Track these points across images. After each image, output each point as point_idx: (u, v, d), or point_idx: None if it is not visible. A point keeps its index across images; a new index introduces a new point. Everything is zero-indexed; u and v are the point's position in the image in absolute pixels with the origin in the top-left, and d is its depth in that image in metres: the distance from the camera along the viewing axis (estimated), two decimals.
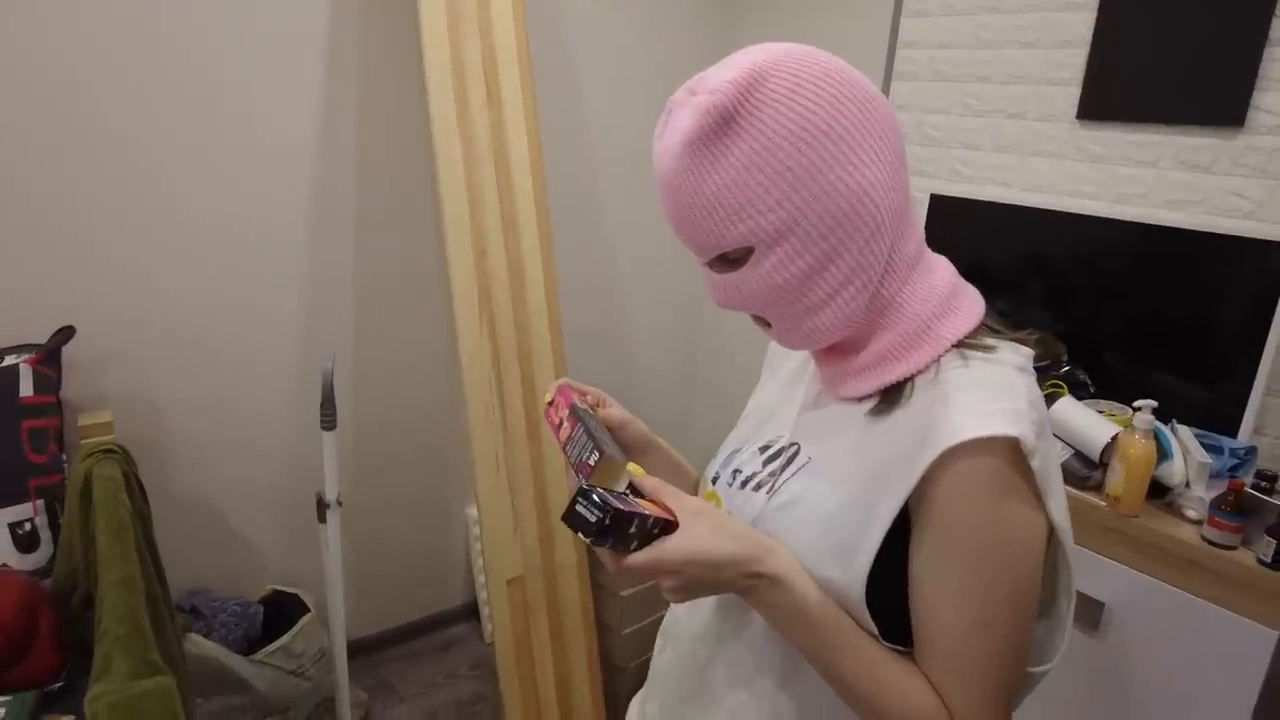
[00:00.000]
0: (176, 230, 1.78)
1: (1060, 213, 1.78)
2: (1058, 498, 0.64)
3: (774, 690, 0.74)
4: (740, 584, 0.66)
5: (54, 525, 1.51)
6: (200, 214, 1.80)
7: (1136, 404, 1.41)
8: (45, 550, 1.51)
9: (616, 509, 0.61)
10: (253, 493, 2.02)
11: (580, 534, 0.61)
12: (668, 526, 0.65)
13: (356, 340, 2.09)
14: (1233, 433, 1.52)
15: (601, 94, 2.33)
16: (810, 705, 0.72)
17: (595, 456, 0.75)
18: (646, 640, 2.08)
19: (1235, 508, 1.31)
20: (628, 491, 0.68)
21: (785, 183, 0.62)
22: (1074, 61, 1.80)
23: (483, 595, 2.39)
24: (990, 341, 0.68)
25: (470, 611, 2.49)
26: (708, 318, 2.75)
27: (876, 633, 0.66)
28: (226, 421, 1.94)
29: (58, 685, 1.33)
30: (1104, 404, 1.63)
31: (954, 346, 0.67)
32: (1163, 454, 1.43)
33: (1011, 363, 0.66)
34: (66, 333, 1.64)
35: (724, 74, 0.63)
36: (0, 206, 1.59)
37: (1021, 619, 0.64)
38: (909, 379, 0.68)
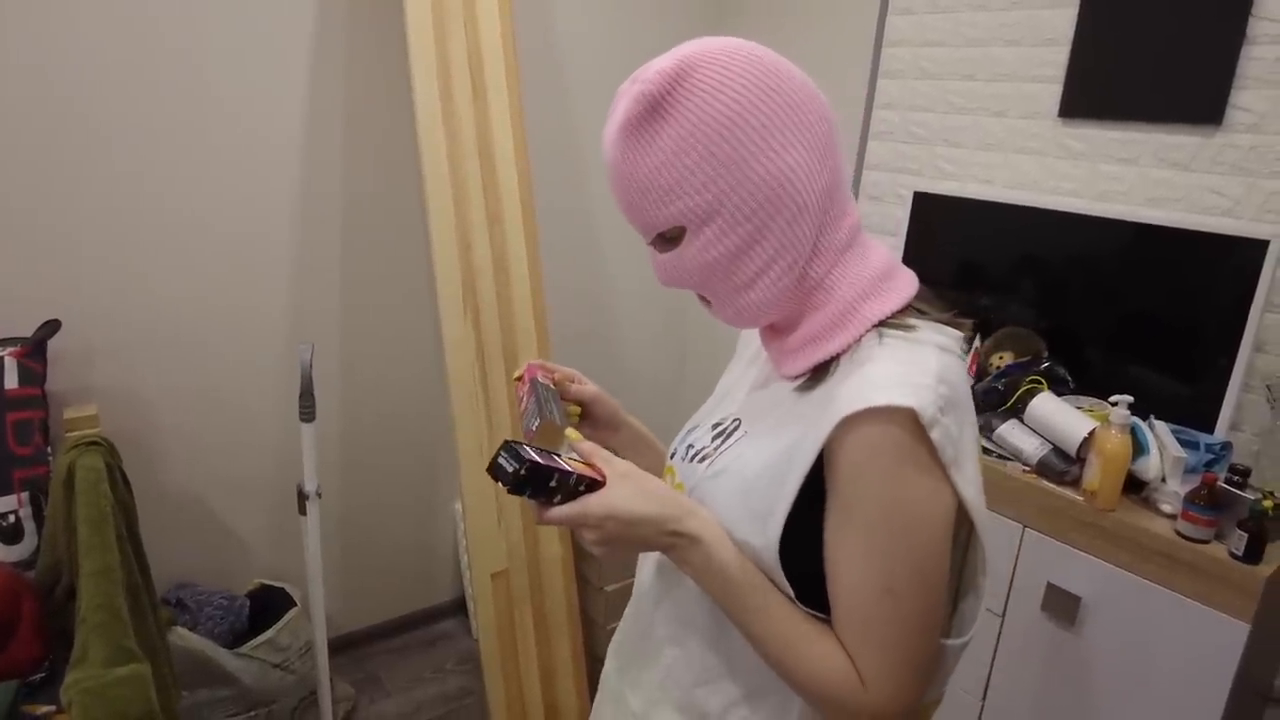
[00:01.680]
0: (164, 224, 1.79)
1: (1042, 210, 1.79)
2: (967, 472, 0.67)
3: (703, 648, 0.78)
4: (660, 541, 0.71)
5: (38, 517, 1.52)
6: (187, 208, 1.81)
7: (1113, 399, 1.42)
8: (29, 542, 1.52)
9: (534, 461, 0.65)
10: (240, 487, 2.03)
11: (500, 483, 0.66)
12: (594, 484, 0.70)
13: (343, 334, 2.10)
14: (1209, 428, 1.53)
15: (588, 91, 2.34)
16: (737, 664, 0.76)
17: (537, 421, 0.81)
18: None
19: (1209, 502, 1.32)
20: (558, 454, 0.72)
21: (710, 167, 0.66)
22: (1057, 59, 1.81)
23: (470, 591, 2.40)
24: (912, 321, 0.71)
25: (458, 606, 2.50)
26: (697, 315, 2.76)
27: (792, 595, 0.70)
28: (213, 415, 1.95)
29: (40, 676, 1.34)
30: (1083, 400, 1.64)
31: (876, 326, 0.70)
32: (1139, 449, 1.44)
33: (931, 341, 0.69)
34: (52, 326, 1.65)
35: (658, 64, 0.68)
36: None
37: (925, 587, 0.66)
38: (834, 358, 0.71)
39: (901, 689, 0.66)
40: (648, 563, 0.85)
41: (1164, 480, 1.42)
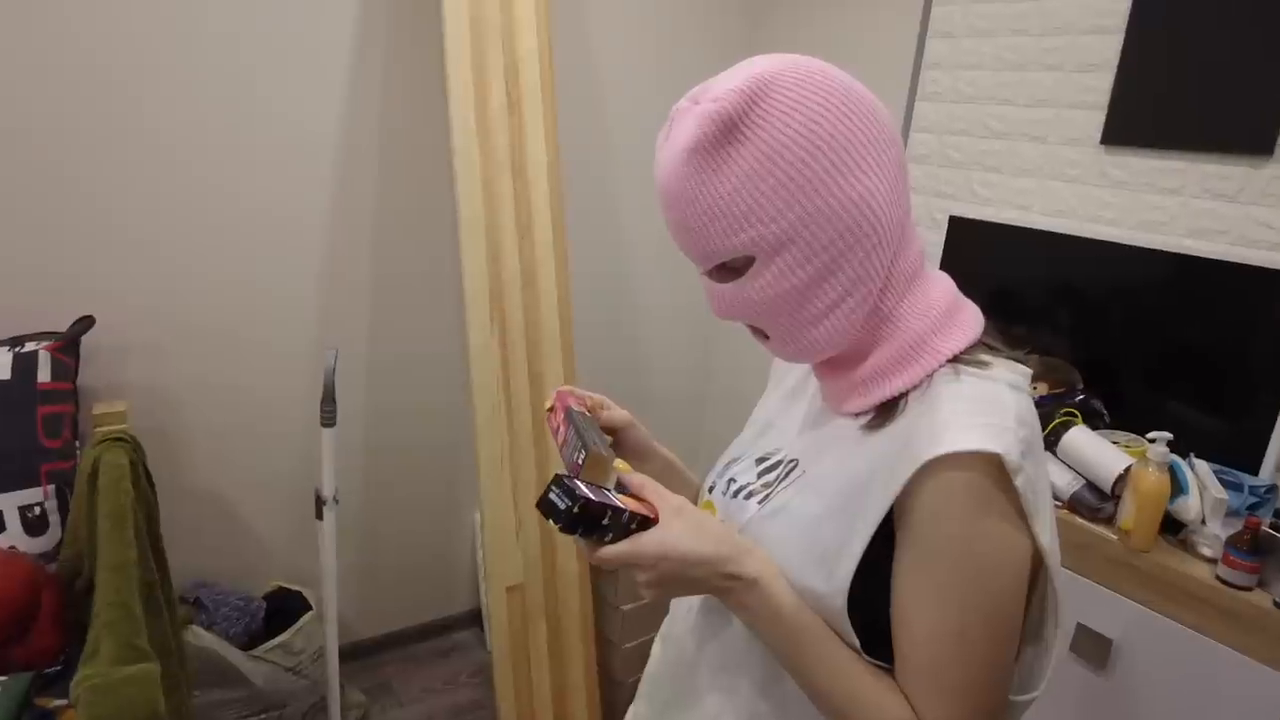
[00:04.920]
0: (200, 224, 1.82)
1: (1081, 238, 1.75)
2: (1044, 520, 0.63)
3: (753, 695, 0.73)
4: (715, 584, 0.67)
5: (63, 510, 1.54)
6: (223, 208, 1.84)
7: (1151, 436, 1.38)
8: (53, 534, 1.54)
9: (587, 498, 0.62)
10: (264, 487, 2.04)
11: (551, 521, 0.63)
12: (646, 522, 0.66)
13: (371, 339, 2.11)
14: (1254, 470, 1.47)
15: (621, 103, 2.34)
16: (791, 712, 0.71)
17: (582, 455, 0.76)
18: (646, 655, 2.05)
19: (1252, 547, 1.27)
20: (609, 489, 0.68)
21: (788, 192, 0.62)
22: (1100, 85, 1.77)
23: (486, 602, 2.38)
24: (985, 358, 0.67)
25: (475, 618, 2.48)
26: (723, 330, 2.74)
27: (857, 645, 0.66)
28: (241, 415, 1.97)
29: (56, 668, 1.35)
30: (1119, 435, 1.59)
31: (949, 362, 0.67)
32: (1178, 488, 1.39)
33: (1004, 379, 0.66)
34: (86, 322, 1.67)
35: (728, 82, 0.64)
36: (28, 197, 1.64)
37: (999, 637, 0.63)
38: (903, 394, 0.67)
39: None
40: (695, 601, 0.81)
41: (1204, 522, 1.36)
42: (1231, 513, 1.37)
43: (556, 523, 0.62)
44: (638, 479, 0.70)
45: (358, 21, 1.89)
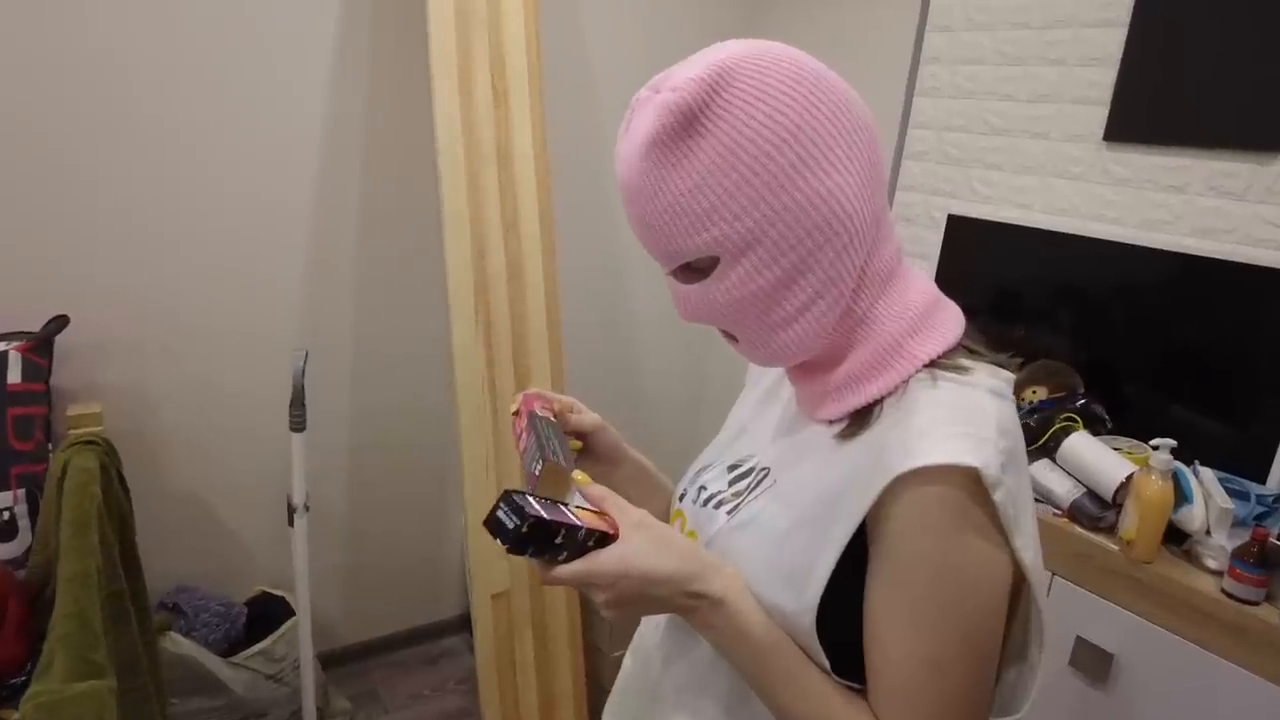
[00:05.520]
0: (178, 224, 1.78)
1: (1083, 237, 1.70)
2: (1026, 535, 0.59)
3: (719, 716, 0.70)
4: (679, 603, 0.63)
5: (33, 515, 1.50)
6: (201, 206, 1.80)
7: (1154, 442, 1.32)
8: (23, 539, 1.50)
9: (538, 516, 0.57)
10: (246, 490, 2.00)
11: (499, 541, 0.58)
12: (604, 538, 0.62)
13: (355, 339, 2.06)
14: (1261, 478, 1.42)
15: (613, 94, 2.29)
16: None
17: (539, 466, 0.72)
18: None
19: (1259, 559, 1.22)
20: (566, 504, 0.64)
21: (752, 189, 0.58)
22: (1103, 80, 1.72)
23: None
24: (965, 362, 0.63)
25: (464, 623, 2.44)
26: (716, 336, 2.69)
27: (827, 665, 0.62)
28: (220, 418, 1.93)
29: (20, 679, 1.31)
30: (1121, 440, 1.54)
31: (926, 366, 0.62)
32: (1182, 497, 1.33)
33: (985, 385, 0.61)
34: (60, 322, 1.63)
35: (688, 70, 0.59)
36: (1, 193, 1.60)
37: (977, 659, 0.59)
38: (878, 401, 0.63)
39: None
40: (661, 616, 0.77)
41: (1209, 533, 1.31)
42: (1238, 523, 1.32)
43: (504, 543, 0.58)
44: (597, 491, 0.66)
45: (341, 14, 1.85)
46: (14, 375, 1.52)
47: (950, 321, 0.66)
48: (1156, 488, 1.30)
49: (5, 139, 1.58)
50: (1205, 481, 1.37)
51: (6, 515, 1.48)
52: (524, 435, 0.81)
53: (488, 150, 1.78)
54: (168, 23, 1.67)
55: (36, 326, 1.63)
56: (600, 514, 0.64)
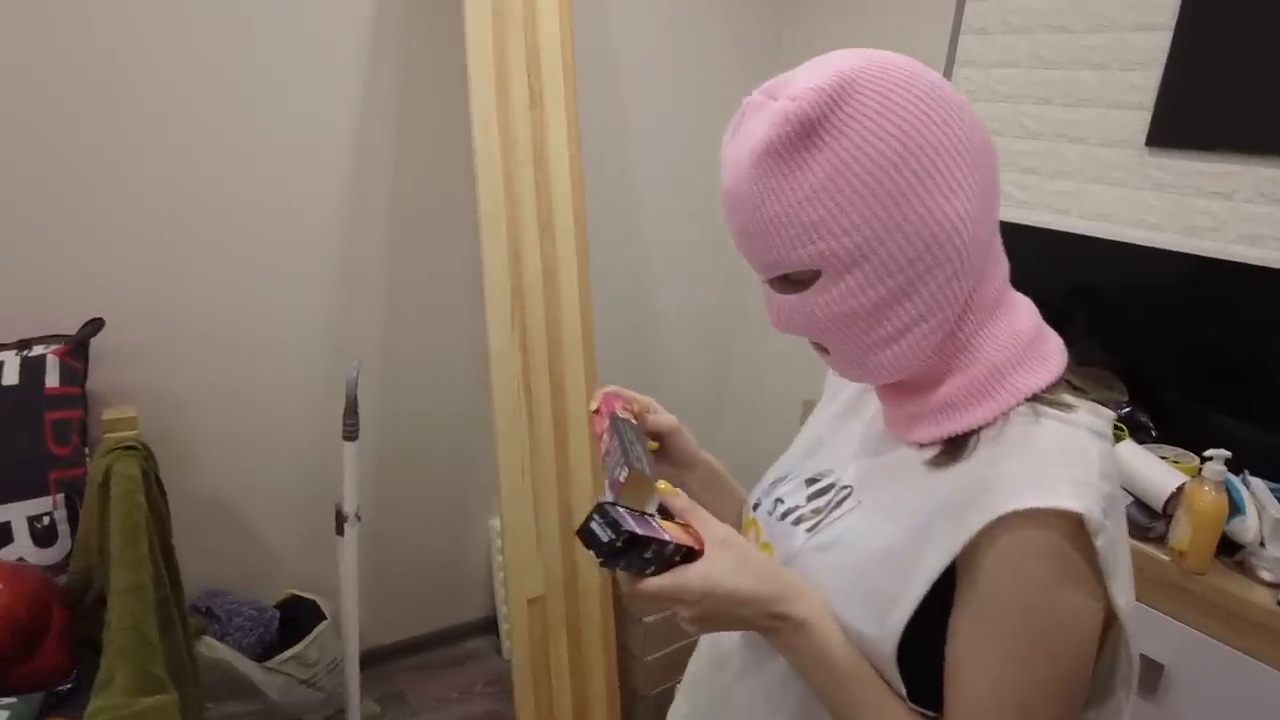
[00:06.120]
0: (210, 225, 1.76)
1: (1123, 243, 1.69)
2: (1122, 582, 0.58)
3: None
4: (761, 623, 0.63)
5: (72, 520, 1.49)
6: (234, 209, 1.78)
7: (1208, 453, 1.32)
8: (62, 545, 1.48)
9: (632, 532, 0.57)
10: (274, 494, 1.99)
11: (593, 553, 0.58)
12: (691, 554, 0.62)
13: (386, 343, 2.05)
14: None
15: (639, 96, 2.27)
16: None
17: (625, 473, 0.72)
18: (668, 668, 2.01)
19: None
20: (652, 515, 0.64)
21: (866, 205, 0.56)
22: (1145, 85, 1.70)
23: (502, 610, 2.33)
24: (1069, 399, 0.62)
25: (488, 625, 2.43)
26: (742, 336, 2.69)
27: (904, 693, 0.61)
28: (251, 421, 1.91)
29: (66, 687, 1.30)
30: (1166, 449, 1.53)
31: (1028, 400, 0.61)
32: (1234, 508, 1.33)
33: (1088, 425, 0.60)
34: (96, 325, 1.62)
35: (808, 79, 0.58)
36: (35, 197, 1.58)
37: (1064, 706, 0.58)
38: (976, 431, 0.62)
39: None
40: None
41: (1263, 544, 1.31)
42: None
43: (598, 555, 0.58)
44: (682, 503, 0.65)
45: (374, 15, 1.83)
46: (52, 379, 1.50)
47: (1054, 354, 0.65)
48: (1210, 499, 1.30)
49: (37, 146, 1.56)
50: (1257, 492, 1.36)
51: (46, 521, 1.47)
52: (605, 437, 0.80)
53: (524, 152, 1.77)
54: (201, 28, 1.65)
55: (69, 329, 1.61)
56: (685, 526, 0.64)
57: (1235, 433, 1.52)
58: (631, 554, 0.58)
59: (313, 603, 1.97)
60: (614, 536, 0.57)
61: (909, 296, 0.59)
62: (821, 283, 0.60)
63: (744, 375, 2.71)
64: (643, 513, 0.62)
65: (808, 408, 2.10)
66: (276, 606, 1.95)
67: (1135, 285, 1.68)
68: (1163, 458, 1.47)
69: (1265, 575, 1.29)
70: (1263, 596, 1.26)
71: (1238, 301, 1.53)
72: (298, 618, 1.94)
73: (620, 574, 0.61)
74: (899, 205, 0.56)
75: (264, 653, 1.82)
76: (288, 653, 1.81)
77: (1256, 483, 1.39)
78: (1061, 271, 1.79)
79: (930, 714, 0.62)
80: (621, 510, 0.60)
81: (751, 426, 2.64)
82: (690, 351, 2.63)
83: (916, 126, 0.56)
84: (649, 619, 1.94)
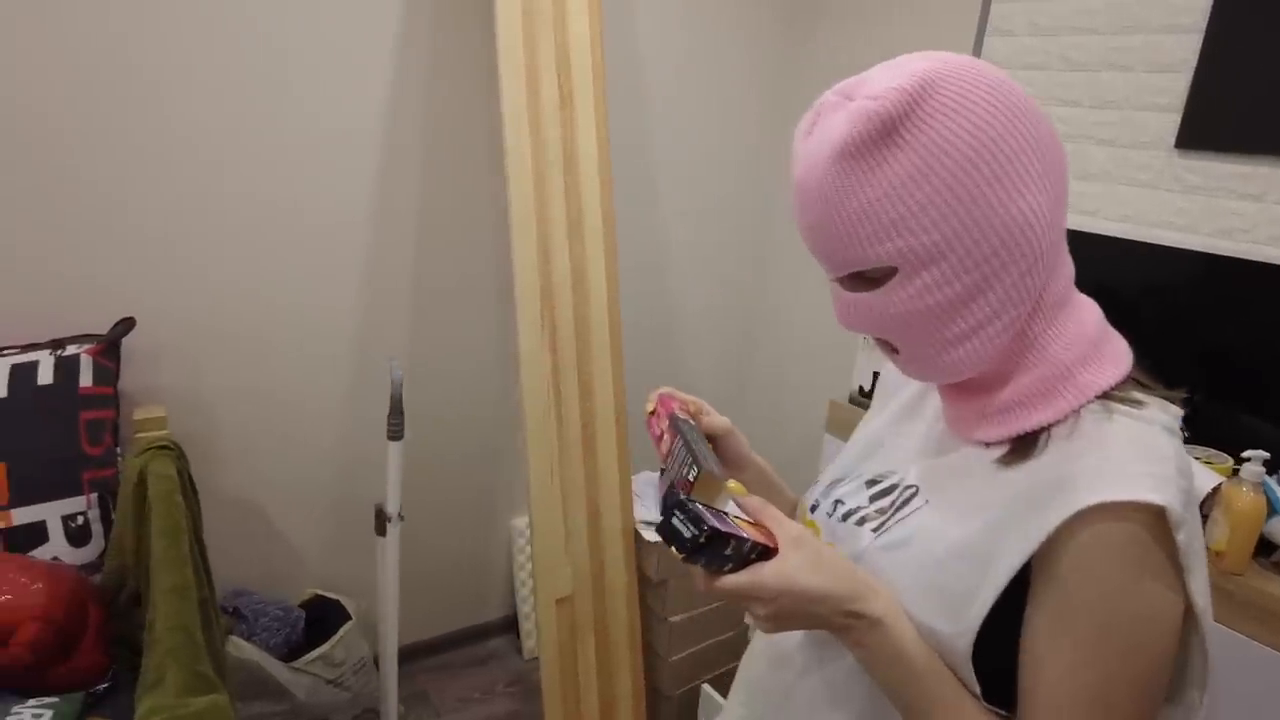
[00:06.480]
0: (239, 224, 1.76)
1: (1153, 245, 1.69)
2: (1200, 577, 0.58)
3: None
4: (836, 622, 0.63)
5: (105, 520, 1.49)
6: (262, 209, 1.78)
7: (1246, 454, 1.32)
8: (96, 545, 1.48)
9: (714, 528, 0.58)
10: (301, 494, 1.99)
11: (674, 549, 0.59)
12: (766, 552, 0.62)
13: (412, 343, 2.05)
14: None
15: (664, 97, 2.27)
16: None
17: (694, 472, 0.73)
18: (694, 668, 2.01)
19: None
20: (727, 513, 0.64)
21: (945, 203, 0.57)
22: (1175, 87, 1.70)
23: (524, 609, 2.33)
24: (1139, 396, 0.63)
25: (509, 625, 2.43)
26: (765, 336, 2.69)
27: (979, 692, 0.61)
28: (277, 421, 1.91)
29: (103, 686, 1.30)
30: (1199, 450, 1.53)
31: (1098, 398, 0.62)
32: (1271, 509, 1.33)
33: (1160, 422, 0.61)
34: (127, 324, 1.62)
35: (888, 79, 0.59)
36: (67, 197, 1.58)
37: (1143, 707, 0.58)
38: (1045, 429, 0.62)
39: None
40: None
41: None
42: None
43: (680, 550, 0.59)
44: (754, 502, 0.66)
45: (402, 16, 1.83)
46: (86, 379, 1.50)
47: (1121, 353, 0.66)
48: (1248, 499, 1.30)
49: (65, 148, 1.56)
50: None
51: (80, 520, 1.46)
52: (666, 437, 0.81)
53: (554, 152, 1.77)
54: (229, 30, 1.65)
55: (97, 329, 1.61)
56: (757, 526, 0.64)
57: (1266, 433, 1.52)
58: (711, 551, 0.59)
59: (337, 603, 1.97)
60: (696, 533, 0.58)
61: (983, 293, 0.60)
62: (896, 280, 0.60)
63: (768, 376, 2.71)
64: (720, 512, 0.63)
65: (833, 408, 2.11)
66: (301, 606, 1.95)
67: (1165, 286, 1.68)
68: (1195, 459, 1.47)
69: None
70: None
71: (1269, 302, 1.53)
72: (323, 618, 1.94)
73: (697, 570, 0.62)
74: (976, 202, 0.57)
75: (290, 653, 1.82)
76: (314, 653, 1.81)
77: None
78: (1090, 273, 1.78)
79: (1003, 713, 0.62)
80: (701, 507, 0.60)
81: (775, 426, 2.64)
82: (714, 351, 2.63)
83: (993, 124, 0.57)
84: (675, 619, 1.93)
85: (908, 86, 0.57)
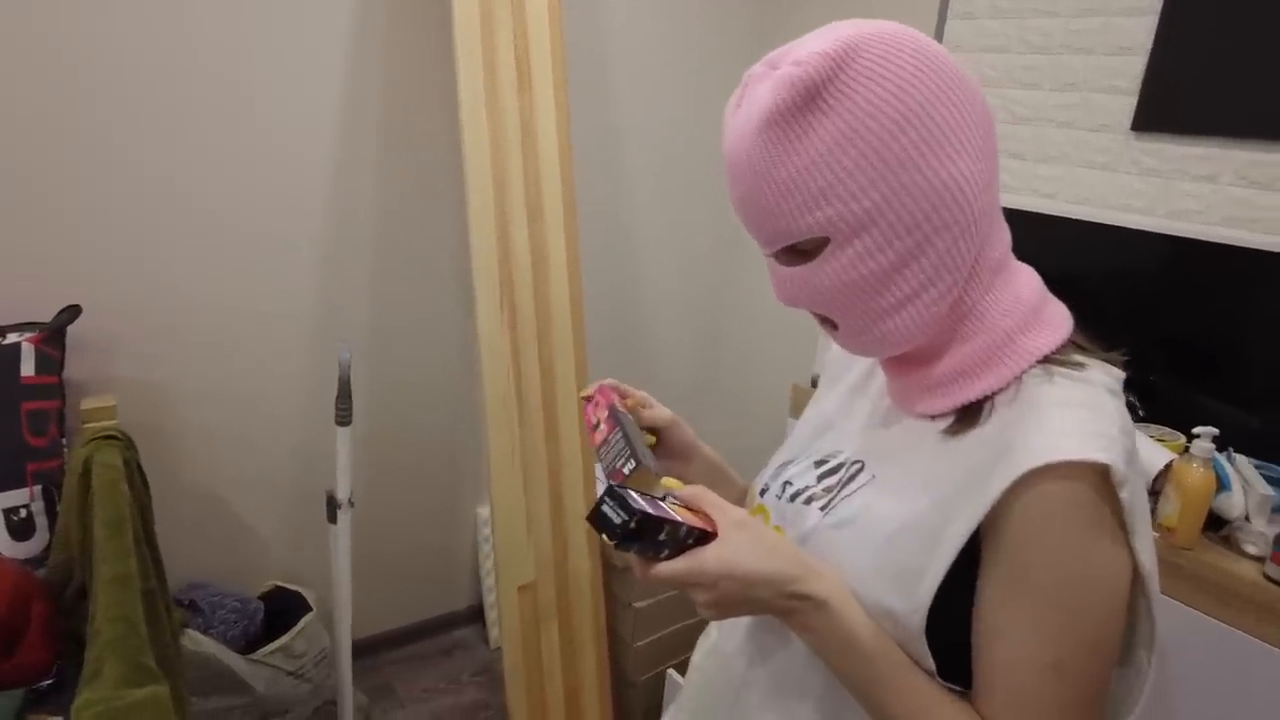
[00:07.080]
0: (192, 212, 1.72)
1: (1110, 226, 1.70)
2: (1144, 536, 0.58)
3: (811, 717, 0.68)
4: (780, 605, 0.61)
5: (50, 512, 1.45)
6: (216, 197, 1.73)
7: (1196, 430, 1.34)
8: (40, 538, 1.45)
9: (644, 512, 0.57)
10: (258, 485, 1.95)
11: (605, 536, 0.58)
12: (704, 537, 0.61)
13: (371, 332, 2.02)
14: None
15: (630, 83, 2.25)
16: None
17: (630, 465, 0.73)
18: (660, 654, 2.00)
19: None
20: (662, 498, 0.63)
21: (873, 168, 0.56)
22: (1131, 70, 1.72)
23: (489, 599, 2.32)
24: (1079, 359, 0.62)
25: (475, 615, 2.42)
26: (731, 321, 2.68)
27: (933, 668, 0.61)
28: (233, 410, 1.87)
29: (47, 683, 1.26)
30: (1152, 428, 1.55)
31: (1039, 362, 0.61)
32: (1220, 484, 1.35)
33: (1102, 383, 0.61)
34: (72, 312, 1.57)
35: (812, 45, 0.58)
36: (13, 183, 1.53)
37: (1098, 667, 0.58)
38: (989, 397, 0.62)
39: None
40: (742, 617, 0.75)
41: (1248, 519, 1.33)
42: (1276, 509, 1.33)
43: (611, 538, 0.58)
44: (690, 490, 0.64)
45: (356, 4, 1.79)
46: (27, 368, 1.46)
47: (1061, 317, 0.65)
48: (1198, 475, 1.31)
49: (17, 126, 1.51)
50: (1241, 469, 1.39)
51: (23, 513, 1.43)
52: (604, 426, 0.80)
53: (513, 132, 1.74)
54: (183, 14, 1.60)
55: (46, 317, 1.57)
56: (696, 512, 0.63)
57: (1219, 412, 1.54)
58: (645, 537, 0.58)
59: (298, 594, 1.95)
60: (626, 518, 0.56)
61: (916, 259, 0.59)
62: (829, 250, 0.59)
63: (733, 360, 2.71)
64: (655, 498, 0.62)
65: (796, 392, 2.11)
66: (261, 598, 1.92)
67: (1122, 267, 1.70)
68: (1149, 436, 1.49)
69: (1250, 549, 1.31)
70: (1249, 570, 1.29)
71: (1223, 283, 1.55)
72: (283, 610, 1.91)
73: (634, 559, 0.60)
74: (905, 167, 0.56)
75: (249, 645, 1.79)
76: (274, 645, 1.78)
77: (1241, 460, 1.41)
78: (1048, 255, 1.79)
79: (958, 688, 0.61)
80: (632, 492, 0.59)
81: (740, 411, 2.64)
82: (679, 336, 2.62)
83: (919, 89, 0.56)
84: (639, 604, 1.93)
85: (831, 51, 0.56)
